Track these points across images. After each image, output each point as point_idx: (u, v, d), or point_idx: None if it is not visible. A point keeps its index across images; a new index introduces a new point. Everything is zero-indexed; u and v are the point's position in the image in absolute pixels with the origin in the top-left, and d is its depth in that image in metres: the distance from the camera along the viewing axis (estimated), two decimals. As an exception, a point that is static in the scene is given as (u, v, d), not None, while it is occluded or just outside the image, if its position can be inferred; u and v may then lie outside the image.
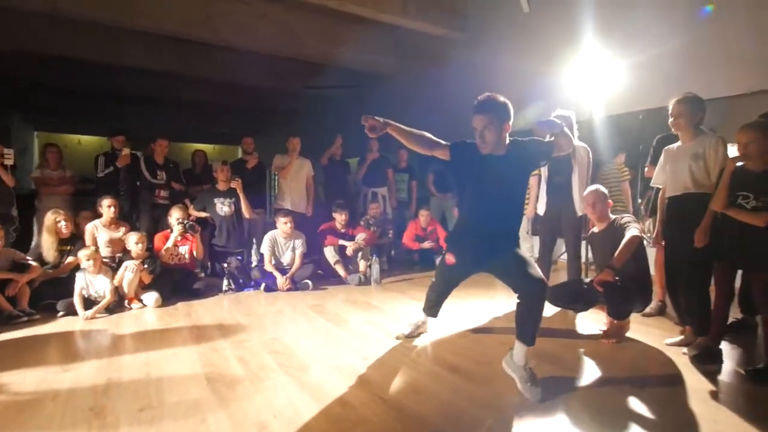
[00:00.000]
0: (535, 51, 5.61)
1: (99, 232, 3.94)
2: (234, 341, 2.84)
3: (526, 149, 2.27)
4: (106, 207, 3.95)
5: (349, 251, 4.79)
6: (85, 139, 12.94)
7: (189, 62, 7.77)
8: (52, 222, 3.70)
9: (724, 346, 2.60)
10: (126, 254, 3.83)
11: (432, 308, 2.89)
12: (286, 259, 4.47)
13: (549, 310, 3.46)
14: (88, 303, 3.42)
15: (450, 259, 2.41)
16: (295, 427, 1.79)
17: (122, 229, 4.06)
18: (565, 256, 4.10)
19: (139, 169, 4.62)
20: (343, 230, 4.91)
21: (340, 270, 4.67)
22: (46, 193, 4.55)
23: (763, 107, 2.79)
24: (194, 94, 9.83)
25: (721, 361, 2.41)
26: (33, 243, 4.18)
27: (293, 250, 4.47)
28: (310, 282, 4.39)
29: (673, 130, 2.71)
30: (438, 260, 5.44)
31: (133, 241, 3.79)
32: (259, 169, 5.46)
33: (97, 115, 11.20)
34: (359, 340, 2.87)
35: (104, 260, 3.71)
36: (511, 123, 2.22)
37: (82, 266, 3.46)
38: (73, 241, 3.81)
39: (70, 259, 3.71)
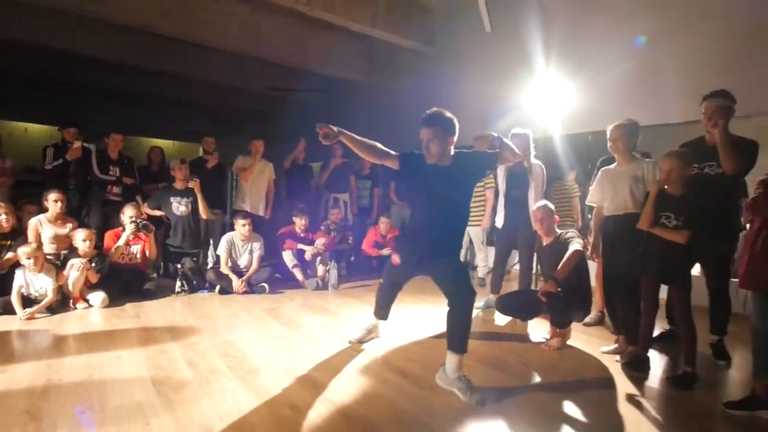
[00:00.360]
0: (496, 70, 5.86)
1: (43, 227, 3.76)
2: (184, 344, 2.79)
3: (469, 161, 2.41)
4: (53, 201, 3.78)
5: (308, 256, 4.79)
6: (33, 127, 12.22)
7: (151, 55, 7.53)
8: (-9, 215, 3.51)
9: (653, 354, 2.83)
10: (72, 252, 3.68)
11: (381, 310, 3.00)
12: (243, 262, 4.42)
13: (499, 318, 3.64)
14: (28, 302, 3.26)
15: (395, 259, 2.67)
16: (241, 430, 1.80)
17: (69, 225, 3.89)
18: (518, 267, 4.28)
19: (90, 163, 4.44)
20: (302, 234, 4.91)
21: (298, 274, 4.67)
22: (-18, 185, 4.28)
23: (692, 135, 3.05)
24: (156, 89, 9.52)
25: (648, 368, 2.61)
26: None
27: (251, 252, 4.42)
28: (266, 285, 4.36)
29: (611, 152, 2.93)
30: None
31: (81, 238, 3.65)
32: (220, 169, 5.37)
33: (49, 104, 10.64)
34: (313, 345, 2.90)
35: (48, 257, 3.55)
36: (455, 137, 2.36)
37: (21, 263, 3.29)
38: (13, 236, 3.60)
39: (9, 255, 3.51)
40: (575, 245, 2.92)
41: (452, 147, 2.37)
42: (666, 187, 2.45)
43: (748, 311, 2.25)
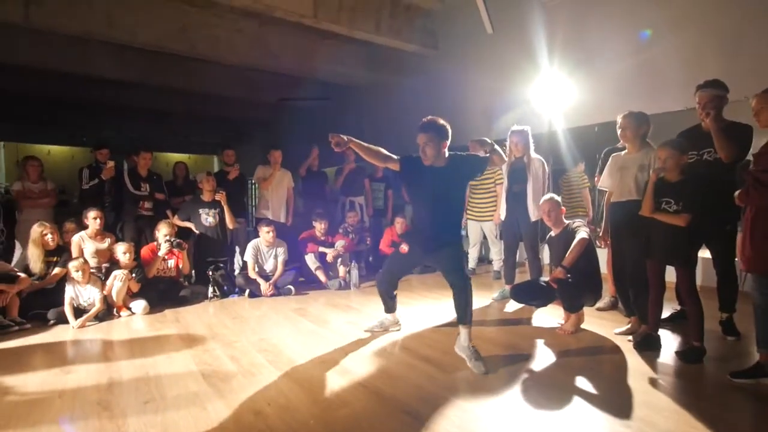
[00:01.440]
0: (500, 68, 6.03)
1: (85, 243, 4.06)
2: (224, 342, 3.04)
3: (463, 163, 2.70)
4: (92, 219, 4.08)
5: (329, 258, 5.02)
6: (54, 149, 12.75)
7: (164, 74, 7.88)
8: (39, 234, 3.80)
9: (665, 333, 2.99)
10: (113, 264, 3.97)
11: (388, 302, 3.23)
12: (269, 267, 4.67)
13: (513, 306, 3.81)
14: (78, 312, 3.54)
15: (404, 248, 3.06)
16: (287, 411, 2.03)
17: (107, 240, 4.18)
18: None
19: (123, 181, 4.74)
20: (322, 238, 5.14)
21: (321, 276, 4.90)
22: (27, 206, 4.61)
23: (693, 122, 3.20)
24: (169, 105, 9.91)
25: (659, 346, 2.77)
26: (17, 255, 4.25)
27: (276, 257, 4.67)
28: (292, 287, 4.61)
29: (621, 140, 3.09)
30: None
31: (122, 251, 3.94)
32: (240, 180, 5.64)
33: (69, 125, 11.11)
34: (341, 338, 3.12)
35: (91, 270, 3.83)
36: (448, 141, 2.65)
37: (71, 276, 3.58)
38: (58, 252, 3.91)
39: (56, 270, 3.81)
40: (582, 234, 3.09)
41: (446, 150, 2.65)
42: (663, 174, 2.61)
43: (747, 288, 2.39)
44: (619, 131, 3.04)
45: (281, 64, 7.53)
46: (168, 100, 9.62)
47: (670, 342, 2.91)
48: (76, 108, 10.06)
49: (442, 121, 2.63)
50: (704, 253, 3.04)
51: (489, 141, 2.67)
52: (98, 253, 4.09)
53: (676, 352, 2.65)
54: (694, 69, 4.19)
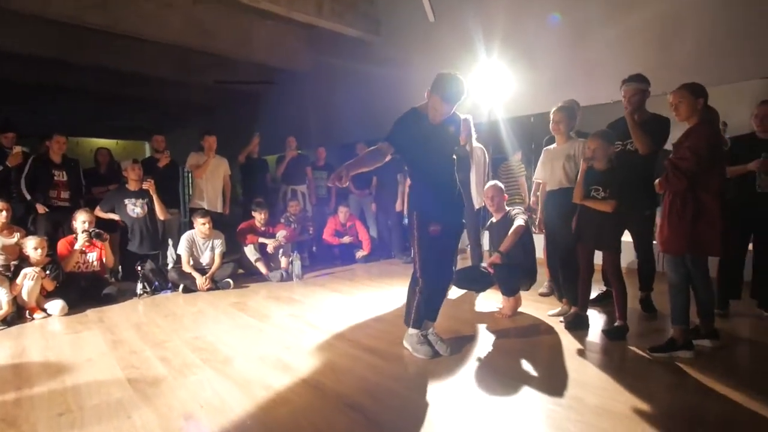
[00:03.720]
0: (441, 57, 6.05)
1: (-11, 239, 3.62)
2: (153, 343, 2.83)
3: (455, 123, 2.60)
4: (-3, 211, 3.63)
5: (270, 249, 4.86)
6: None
7: (84, 49, 7.16)
8: (-71, 230, 3.33)
9: (593, 313, 3.18)
10: (24, 261, 3.56)
11: (432, 312, 2.63)
12: (205, 259, 4.43)
13: (455, 291, 3.89)
14: (-19, 316, 3.16)
15: (435, 228, 2.44)
16: (221, 413, 1.92)
17: (17, 235, 3.74)
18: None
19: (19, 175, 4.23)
20: (263, 228, 4.95)
21: (262, 267, 4.73)
22: None
23: (620, 114, 3.39)
24: (92, 85, 9.04)
25: (588, 326, 2.95)
26: None
27: (212, 249, 4.44)
28: (231, 281, 4.40)
29: (552, 133, 3.21)
30: (357, 254, 5.69)
31: (32, 247, 3.54)
32: (172, 168, 5.27)
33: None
34: (282, 332, 3.02)
35: (-2, 269, 3.43)
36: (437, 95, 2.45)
37: (-29, 277, 3.18)
38: (-44, 250, 3.46)
39: (-47, 269, 3.37)
40: (519, 220, 3.20)
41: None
42: (592, 163, 2.74)
43: (664, 269, 2.58)
44: (552, 125, 3.16)
45: (217, 45, 7.10)
46: (91, 80, 8.77)
47: (598, 321, 3.10)
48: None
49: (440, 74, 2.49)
50: (627, 238, 3.25)
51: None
52: (5, 249, 3.64)
53: (603, 331, 2.83)
54: (624, 63, 4.43)
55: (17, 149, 4.19)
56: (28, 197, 4.24)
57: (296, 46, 7.84)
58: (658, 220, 2.90)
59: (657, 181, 2.43)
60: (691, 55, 4.12)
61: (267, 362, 2.48)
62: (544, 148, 3.32)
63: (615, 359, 2.53)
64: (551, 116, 3.17)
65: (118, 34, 6.40)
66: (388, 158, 2.45)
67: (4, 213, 3.66)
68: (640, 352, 2.53)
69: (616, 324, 2.78)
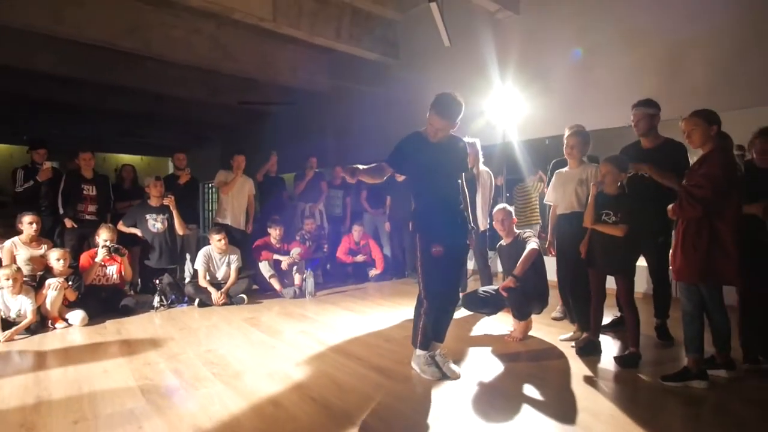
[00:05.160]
0: (457, 80, 6.16)
1: (18, 249, 3.78)
2: (168, 355, 2.90)
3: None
4: (27, 224, 3.80)
5: (284, 265, 4.93)
6: (-7, 147, 11.93)
7: (114, 71, 7.52)
8: (-37, 240, 3.51)
9: (606, 339, 3.13)
10: (48, 272, 3.71)
11: (440, 333, 2.60)
12: (220, 274, 4.52)
13: (463, 313, 3.87)
14: (6, 324, 3.28)
15: (438, 249, 2.45)
16: (229, 427, 1.96)
17: (44, 247, 3.91)
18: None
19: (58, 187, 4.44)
20: (278, 245, 5.04)
21: (276, 284, 4.80)
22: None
23: (630, 138, 3.40)
24: (119, 104, 9.46)
25: (600, 352, 2.90)
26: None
27: (228, 264, 4.53)
28: (245, 296, 4.48)
29: (566, 157, 3.22)
30: (371, 272, 5.72)
31: (55, 258, 3.69)
32: (192, 185, 5.45)
33: (9, 123, 10.38)
34: (292, 349, 3.06)
35: (24, 279, 3.57)
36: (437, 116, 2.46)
37: (0, 286, 3.32)
38: (-14, 259, 3.63)
39: (-17, 279, 3.52)
40: (532, 244, 3.20)
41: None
42: (602, 188, 2.75)
43: (678, 295, 2.54)
44: (567, 149, 3.17)
45: (241, 67, 7.38)
46: (121, 100, 9.19)
47: (610, 347, 3.04)
48: (17, 104, 9.42)
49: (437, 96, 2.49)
50: (643, 263, 3.22)
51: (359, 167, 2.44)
52: (33, 260, 3.81)
53: (615, 358, 2.78)
54: (634, 88, 4.46)
55: (47, 165, 4.40)
56: (62, 211, 4.42)
57: (316, 69, 8.07)
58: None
59: (670, 207, 2.42)
60: (703, 80, 4.12)
61: (276, 378, 2.51)
62: (556, 172, 3.33)
63: (627, 387, 2.47)
64: (565, 140, 3.19)
65: (147, 57, 6.74)
66: (387, 174, 2.51)
67: (34, 225, 3.84)
68: (653, 381, 2.48)
69: (628, 351, 2.73)
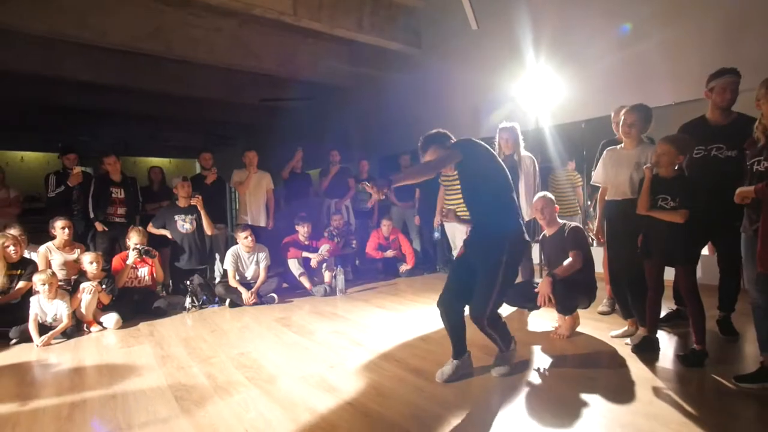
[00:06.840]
0: (485, 65, 5.91)
1: (53, 254, 3.81)
2: (200, 358, 2.84)
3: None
4: (60, 228, 3.83)
5: (313, 263, 4.84)
6: (29, 155, 12.32)
7: (139, 75, 7.60)
8: (0, 246, 3.54)
9: (662, 335, 2.88)
10: (82, 276, 3.72)
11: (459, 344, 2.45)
12: (250, 273, 4.47)
13: (505, 308, 3.67)
14: (43, 329, 3.30)
15: (461, 250, 2.50)
16: (266, 437, 1.85)
17: (77, 251, 3.94)
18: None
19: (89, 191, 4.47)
20: (306, 242, 4.95)
21: (305, 282, 4.71)
22: (-11, 215, 4.33)
23: (685, 117, 3.09)
24: (146, 108, 9.59)
25: (658, 349, 2.65)
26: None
27: (257, 263, 4.47)
28: (275, 295, 4.41)
29: (623, 137, 2.84)
30: (401, 267, 5.59)
31: (88, 261, 3.69)
32: (219, 184, 5.42)
33: (39, 130, 10.69)
34: (326, 350, 2.94)
35: (59, 283, 3.59)
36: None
37: (36, 291, 3.33)
38: (23, 264, 3.65)
39: (20, 284, 3.56)
40: (577, 248, 2.94)
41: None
42: (657, 170, 2.49)
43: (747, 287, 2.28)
44: (622, 127, 2.80)
45: (263, 65, 7.32)
46: (147, 103, 9.31)
47: (668, 344, 2.80)
48: (49, 112, 9.68)
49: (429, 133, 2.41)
50: (702, 250, 2.93)
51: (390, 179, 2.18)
52: (67, 264, 3.84)
53: (678, 356, 2.54)
54: (679, 64, 4.12)
55: (77, 169, 4.43)
56: (92, 215, 4.46)
57: (337, 62, 7.94)
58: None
59: (755, 187, 2.07)
60: (759, 53, 3.75)
61: (311, 382, 2.40)
62: (608, 148, 2.97)
63: (693, 389, 2.24)
64: (622, 117, 2.82)
65: (170, 59, 6.75)
66: (451, 164, 2.33)
67: (66, 230, 3.86)
68: (724, 382, 2.24)
69: (692, 348, 2.49)
